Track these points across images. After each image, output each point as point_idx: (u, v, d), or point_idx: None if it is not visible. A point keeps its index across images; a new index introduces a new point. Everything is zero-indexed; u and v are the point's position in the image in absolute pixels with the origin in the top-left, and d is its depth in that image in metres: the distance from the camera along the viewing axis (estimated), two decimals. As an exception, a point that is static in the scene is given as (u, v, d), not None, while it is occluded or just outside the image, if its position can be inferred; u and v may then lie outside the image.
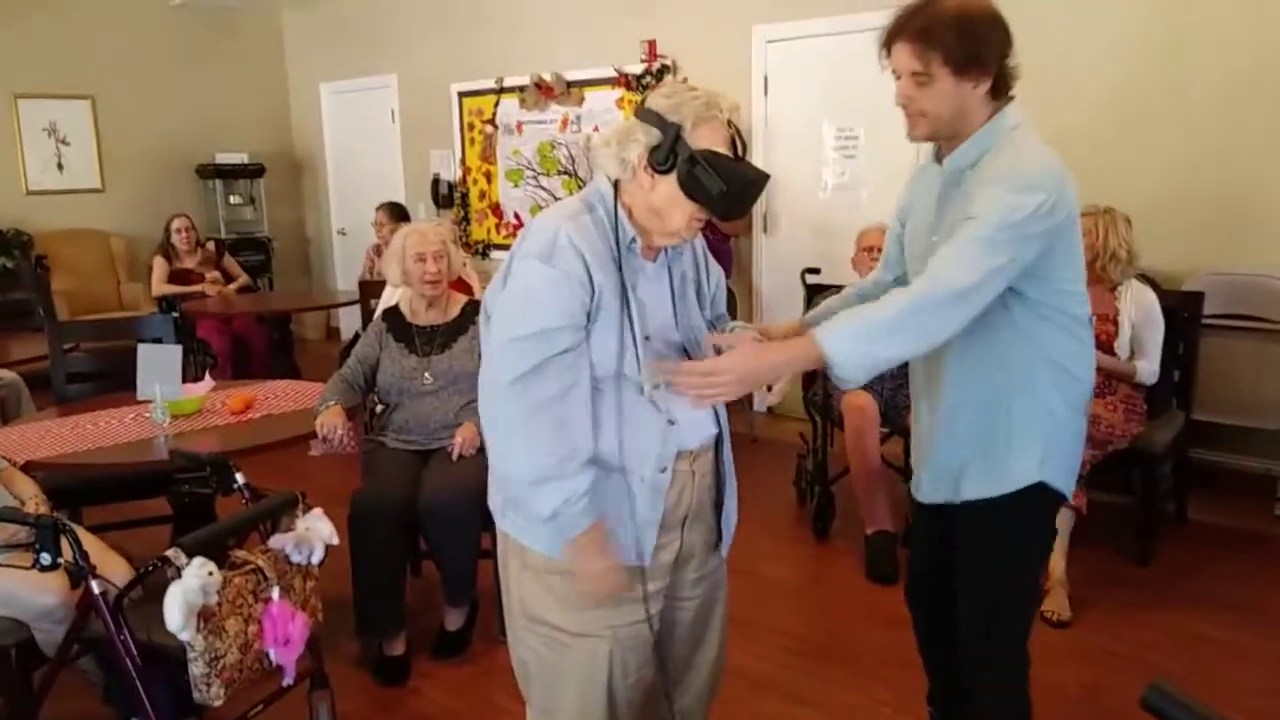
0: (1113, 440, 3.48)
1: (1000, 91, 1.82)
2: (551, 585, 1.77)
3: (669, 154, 1.65)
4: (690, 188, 1.65)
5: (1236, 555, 3.72)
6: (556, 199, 6.74)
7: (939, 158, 1.94)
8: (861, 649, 3.13)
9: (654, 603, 1.81)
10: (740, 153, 1.72)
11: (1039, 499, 1.93)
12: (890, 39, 1.83)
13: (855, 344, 1.70)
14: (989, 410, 1.90)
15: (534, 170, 6.90)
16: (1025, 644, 2.07)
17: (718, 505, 1.93)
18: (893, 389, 3.88)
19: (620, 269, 1.69)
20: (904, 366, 3.82)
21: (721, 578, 2.03)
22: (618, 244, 1.70)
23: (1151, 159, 4.39)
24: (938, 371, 1.96)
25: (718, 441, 1.90)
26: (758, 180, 1.71)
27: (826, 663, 3.06)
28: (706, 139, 1.65)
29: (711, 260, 1.96)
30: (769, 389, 1.85)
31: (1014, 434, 1.90)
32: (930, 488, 2.07)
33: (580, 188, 6.52)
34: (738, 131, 1.72)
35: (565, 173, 6.72)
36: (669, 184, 1.66)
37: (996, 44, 1.78)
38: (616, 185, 1.73)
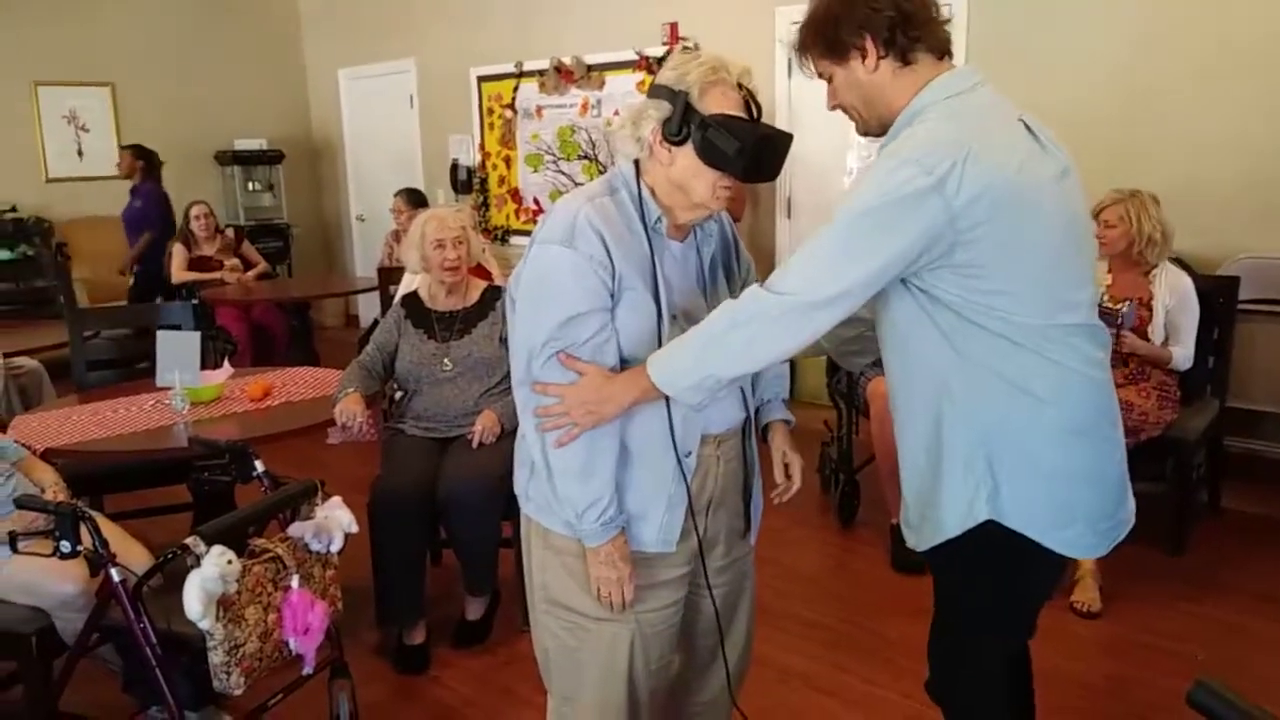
0: (1145, 428, 3.41)
1: (904, 59, 1.56)
2: (574, 569, 1.74)
3: (681, 123, 1.61)
4: (707, 153, 1.61)
5: (1272, 544, 3.64)
6: (577, 184, 6.70)
7: None
8: (886, 640, 3.09)
9: (678, 588, 1.79)
10: (757, 115, 1.65)
11: (993, 542, 1.59)
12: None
13: (682, 364, 1.57)
14: (928, 435, 1.63)
15: (554, 155, 6.85)
16: (998, 669, 1.84)
17: (746, 492, 1.90)
18: (918, 375, 3.82)
19: (646, 247, 1.66)
20: None
21: (749, 567, 2.00)
22: (644, 223, 1.67)
23: (1183, 140, 4.30)
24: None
25: (745, 427, 1.86)
26: (777, 138, 1.66)
27: (851, 653, 3.02)
28: (717, 103, 1.61)
29: (741, 243, 1.92)
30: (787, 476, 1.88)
31: (943, 464, 1.61)
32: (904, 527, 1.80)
33: (600, 172, 6.51)
34: (751, 95, 1.65)
35: (585, 157, 6.67)
36: (687, 154, 1.63)
37: (859, 15, 1.55)
38: (638, 165, 1.70)
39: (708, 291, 1.78)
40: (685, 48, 5.90)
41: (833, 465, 4.15)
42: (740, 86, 1.64)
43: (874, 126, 1.65)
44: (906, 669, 2.90)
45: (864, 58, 1.58)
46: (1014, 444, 1.57)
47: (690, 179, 1.64)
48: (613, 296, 1.63)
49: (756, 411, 1.93)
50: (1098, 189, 3.63)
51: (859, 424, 4.05)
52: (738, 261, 1.89)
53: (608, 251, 1.61)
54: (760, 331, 1.53)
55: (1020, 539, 1.58)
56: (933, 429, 1.61)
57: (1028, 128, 1.58)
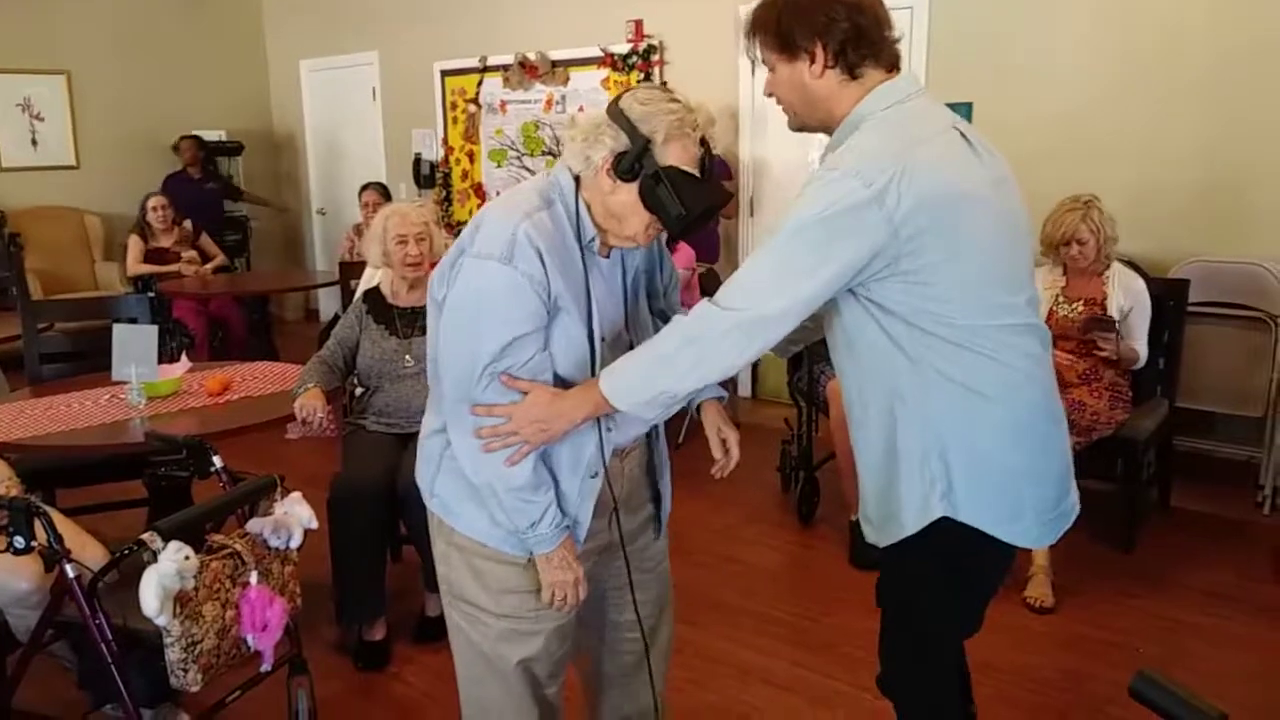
0: (1097, 427, 3.48)
1: (851, 73, 1.58)
2: (475, 566, 1.76)
3: (634, 164, 1.58)
4: (650, 202, 1.59)
5: (1219, 542, 3.73)
6: (540, 180, 6.68)
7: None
8: (846, 635, 3.12)
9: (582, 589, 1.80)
10: (708, 170, 1.64)
11: (948, 538, 1.64)
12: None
13: (634, 380, 1.58)
14: (883, 436, 1.66)
15: (518, 150, 6.84)
16: (951, 661, 1.90)
17: (653, 492, 1.95)
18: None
19: (578, 263, 1.64)
20: None
21: (663, 567, 2.03)
22: (579, 240, 1.65)
23: (1136, 147, 4.39)
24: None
25: (652, 431, 1.89)
26: (717, 205, 1.66)
27: (810, 649, 3.05)
28: (676, 155, 1.58)
29: (666, 252, 1.91)
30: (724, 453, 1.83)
31: (899, 464, 1.64)
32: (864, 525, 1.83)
33: (564, 169, 6.48)
34: (708, 150, 1.65)
35: (549, 153, 6.66)
36: (629, 192, 1.60)
37: (815, 21, 1.56)
38: (578, 179, 1.67)
39: (629, 306, 1.78)
40: (650, 46, 5.91)
41: (793, 463, 4.19)
42: (703, 142, 1.62)
43: (810, 125, 1.68)
44: (865, 663, 2.93)
45: (811, 62, 1.59)
46: (965, 442, 1.60)
47: (626, 213, 1.63)
48: (550, 315, 1.61)
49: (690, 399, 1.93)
50: (1054, 193, 3.71)
51: (819, 422, 4.09)
52: (661, 272, 1.88)
53: (545, 270, 1.57)
54: (709, 348, 1.55)
55: (974, 533, 1.62)
56: (887, 430, 1.64)
57: (963, 135, 1.61)
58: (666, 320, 1.79)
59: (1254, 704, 2.72)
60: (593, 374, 1.65)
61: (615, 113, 1.61)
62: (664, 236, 1.80)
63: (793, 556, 3.84)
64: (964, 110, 4.83)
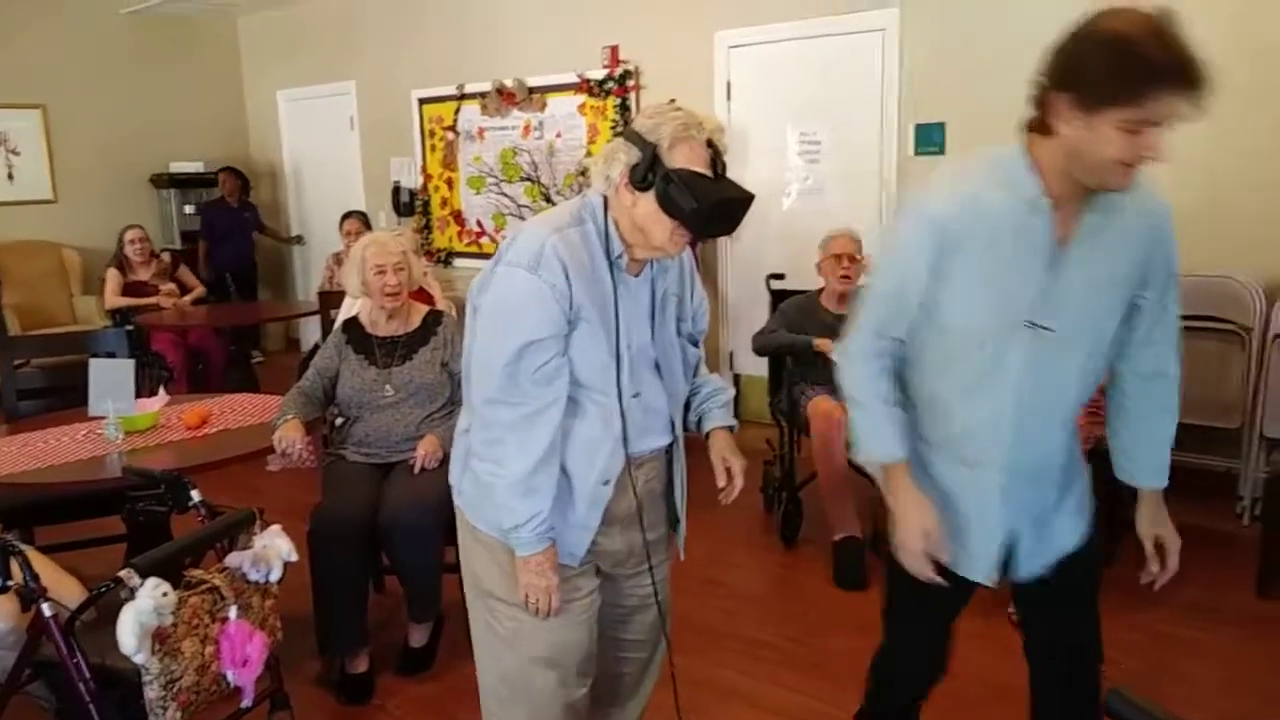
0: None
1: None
2: (501, 560, 1.83)
3: (647, 172, 1.68)
4: (666, 204, 1.68)
5: (1199, 554, 3.73)
6: (520, 205, 6.72)
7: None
8: (830, 656, 3.12)
9: (593, 578, 1.91)
10: (720, 173, 1.73)
11: None
12: (1192, 83, 1.44)
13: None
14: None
15: (496, 177, 6.86)
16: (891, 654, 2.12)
17: (670, 510, 2.01)
18: (858, 394, 3.88)
19: (608, 283, 1.75)
20: None
21: (664, 581, 2.07)
22: (608, 257, 1.75)
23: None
24: None
25: (671, 448, 1.95)
26: (737, 198, 1.73)
27: (795, 670, 3.05)
28: (684, 158, 1.68)
29: (697, 278, 2.00)
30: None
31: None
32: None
33: (543, 194, 6.52)
34: (717, 152, 1.73)
35: (527, 179, 6.68)
36: (648, 201, 1.69)
37: None
38: (606, 201, 1.77)
39: (655, 324, 1.86)
40: (626, 72, 5.96)
41: (775, 484, 4.20)
42: (710, 144, 1.71)
43: None
44: (850, 684, 2.93)
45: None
46: None
47: (650, 223, 1.72)
48: (569, 325, 1.71)
49: (699, 421, 2.03)
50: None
51: (801, 443, 4.10)
52: (691, 295, 1.97)
53: (569, 282, 1.68)
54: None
55: None
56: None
57: None
58: (694, 343, 1.96)
59: (1234, 715, 2.73)
60: (616, 384, 1.76)
61: (627, 132, 1.74)
62: (697, 264, 1.88)
63: (777, 578, 3.84)
64: (937, 131, 4.89)
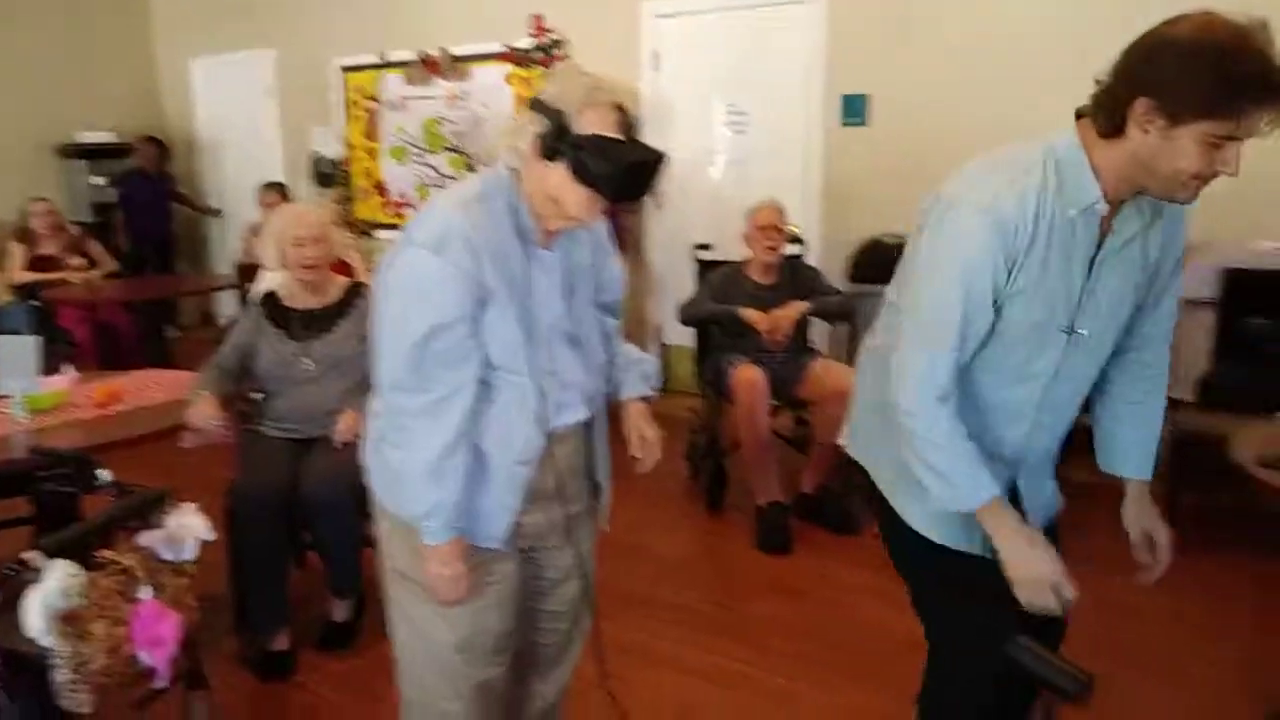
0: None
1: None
2: (412, 543, 1.79)
3: (556, 140, 1.64)
4: (580, 173, 1.64)
5: (1102, 511, 3.85)
6: (443, 176, 6.62)
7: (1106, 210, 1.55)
8: (755, 620, 3.18)
9: (512, 560, 1.88)
10: (633, 137, 1.69)
11: None
12: None
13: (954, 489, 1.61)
14: None
15: (419, 147, 6.74)
16: None
17: (591, 480, 1.99)
18: (781, 362, 3.93)
19: (520, 259, 1.71)
20: (800, 340, 3.78)
21: (589, 552, 2.08)
22: (518, 232, 1.71)
23: (1025, 135, 4.51)
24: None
25: (590, 421, 1.93)
26: (648, 161, 1.69)
27: (720, 635, 3.09)
28: (593, 124, 1.64)
29: (613, 250, 1.96)
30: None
31: None
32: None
33: (468, 165, 6.43)
34: (629, 115, 1.69)
35: (452, 150, 6.59)
36: (560, 171, 1.65)
37: None
38: (515, 174, 1.72)
39: (571, 299, 1.82)
40: (553, 41, 5.89)
41: (701, 452, 4.23)
42: (619, 108, 1.67)
43: None
44: (775, 647, 3.00)
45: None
46: None
47: (564, 194, 1.67)
48: (481, 304, 1.66)
49: (615, 391, 2.01)
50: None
51: (726, 411, 4.14)
52: (606, 268, 1.93)
53: (477, 261, 1.63)
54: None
55: None
56: None
57: None
58: (611, 313, 1.93)
59: (1139, 665, 2.85)
60: (531, 363, 1.72)
61: (532, 102, 1.68)
62: (625, 235, 1.85)
63: (702, 544, 3.89)
64: (862, 102, 4.94)
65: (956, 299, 1.53)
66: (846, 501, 3.96)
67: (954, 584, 1.72)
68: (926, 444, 1.59)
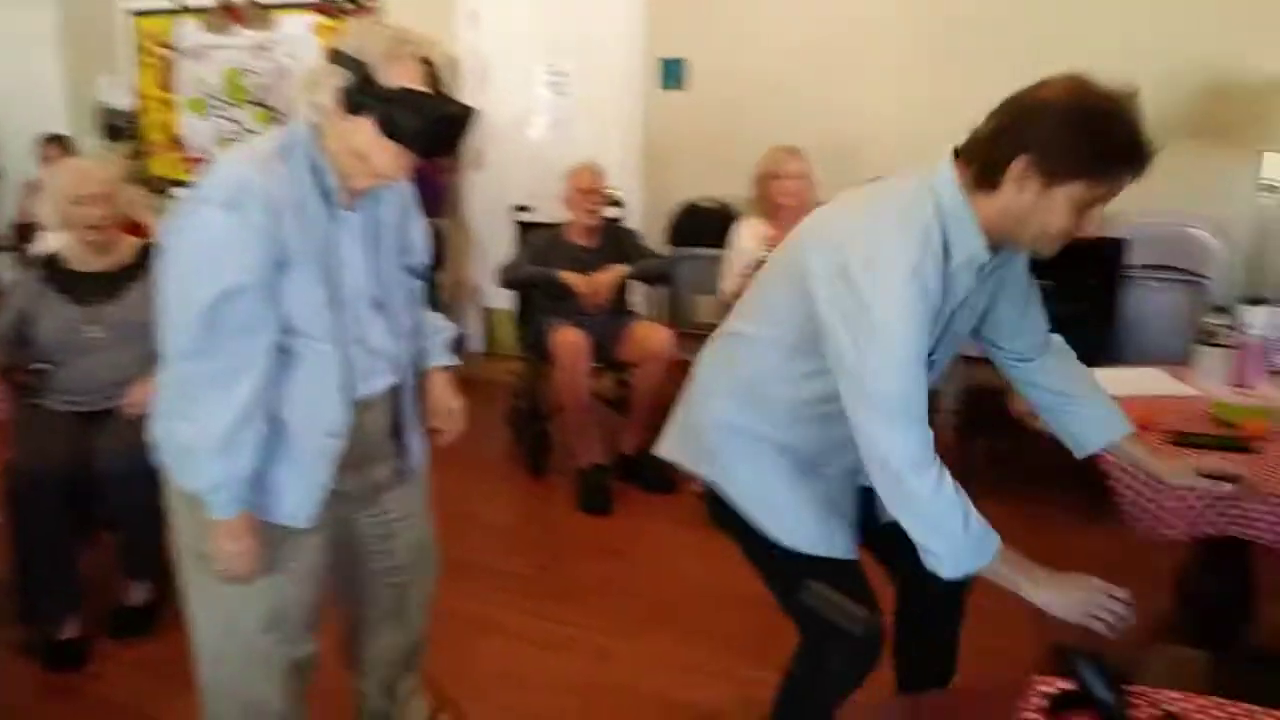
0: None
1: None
2: (208, 519, 1.70)
3: (360, 94, 1.57)
4: (387, 128, 1.59)
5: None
6: (247, 131, 6.27)
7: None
8: (579, 582, 3.21)
9: (320, 534, 1.82)
10: (440, 90, 1.65)
11: None
12: (1146, 164, 1.45)
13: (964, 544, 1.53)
14: None
15: (220, 100, 6.35)
16: None
17: (400, 445, 1.95)
18: (602, 325, 3.95)
19: (322, 219, 1.63)
20: (620, 302, 3.78)
21: (421, 517, 2.06)
22: (321, 191, 1.63)
23: (840, 106, 4.66)
24: None
25: (397, 387, 1.89)
26: (458, 115, 1.65)
27: (545, 598, 3.10)
28: (399, 76, 1.58)
29: (418, 210, 1.92)
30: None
31: None
32: None
33: (274, 119, 6.11)
34: (436, 68, 1.65)
35: (256, 103, 6.24)
36: (367, 126, 1.59)
37: None
38: (316, 130, 1.64)
39: (377, 261, 1.77)
40: (365, 7, 5.65)
41: (523, 416, 4.21)
42: (425, 61, 1.62)
43: None
44: (598, 606, 3.04)
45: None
46: None
47: (371, 150, 1.61)
48: (280, 266, 1.57)
49: (419, 360, 1.98)
50: (763, 143, 3.92)
51: (547, 374, 4.13)
52: (413, 230, 1.89)
53: (274, 220, 1.54)
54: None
55: None
56: None
57: None
58: (419, 277, 1.88)
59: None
60: (334, 328, 1.65)
61: (332, 53, 1.61)
62: (415, 196, 1.86)
63: (525, 508, 3.88)
64: (680, 66, 4.97)
65: (915, 369, 1.50)
66: (665, 461, 4.04)
67: (822, 579, 1.72)
68: (935, 513, 1.51)
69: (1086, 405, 1.83)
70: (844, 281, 1.49)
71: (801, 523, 1.72)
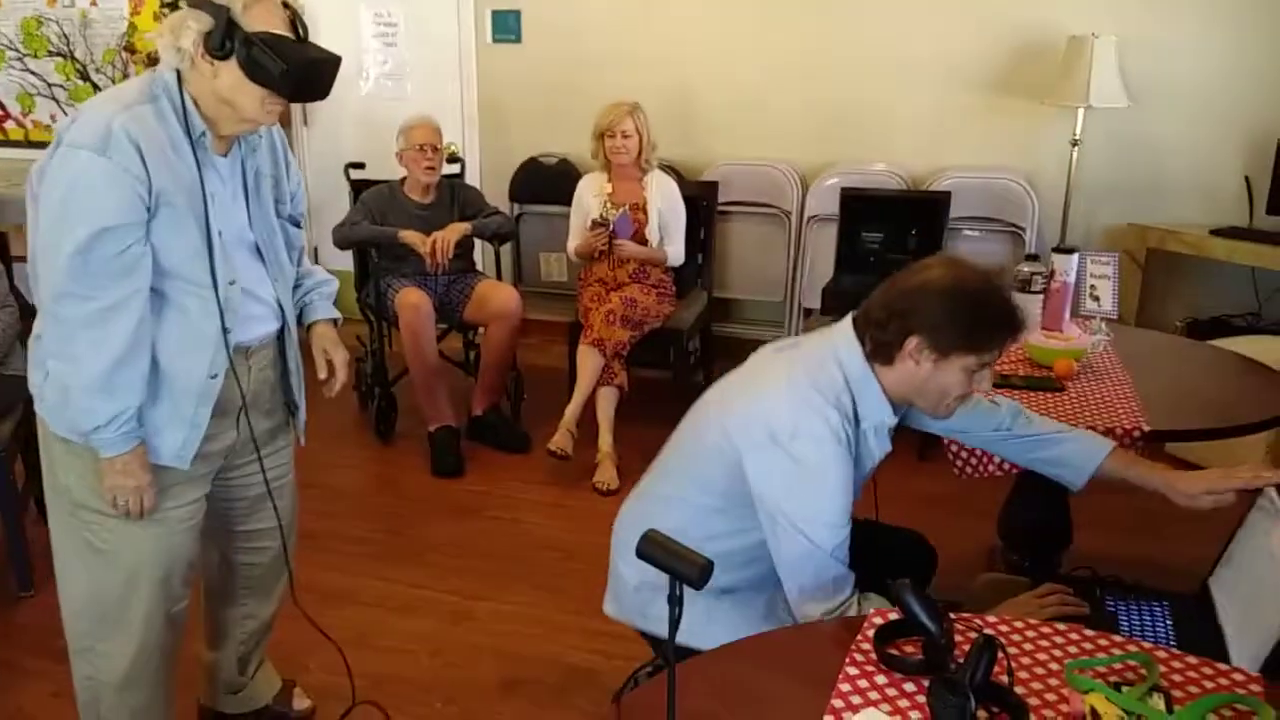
0: (648, 321, 3.79)
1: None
2: (93, 469, 1.70)
3: (224, 38, 1.57)
4: (252, 71, 1.60)
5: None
6: (49, 84, 5.81)
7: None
8: (430, 544, 3.19)
9: (201, 486, 1.84)
10: (304, 35, 1.66)
11: None
12: (1021, 328, 1.63)
13: None
14: None
15: (18, 51, 5.85)
16: None
17: (286, 395, 1.98)
18: (446, 284, 3.90)
19: (192, 165, 1.64)
20: (463, 261, 3.72)
21: (286, 470, 2.08)
22: (188, 137, 1.63)
23: (676, 58, 4.69)
24: None
25: (281, 334, 1.91)
26: (325, 61, 1.68)
27: (396, 563, 3.08)
28: (262, 20, 1.60)
29: (292, 157, 1.93)
30: None
31: None
32: None
33: (78, 71, 5.70)
34: (298, 14, 1.67)
35: (58, 54, 5.77)
36: (232, 70, 1.61)
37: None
38: (180, 76, 1.63)
39: (251, 206, 1.79)
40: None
41: (368, 380, 4.12)
42: (286, 5, 1.63)
43: None
44: (449, 566, 3.04)
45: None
46: None
47: (237, 94, 1.63)
48: (149, 211, 1.58)
49: (301, 312, 2.00)
50: (602, 97, 3.93)
51: (391, 336, 4.05)
52: (287, 174, 1.91)
53: (144, 164, 1.55)
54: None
55: None
56: None
57: None
58: (296, 225, 1.92)
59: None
60: (210, 272, 1.67)
61: (193, 0, 1.61)
62: (289, 146, 1.89)
63: (374, 474, 3.82)
64: (513, 18, 4.89)
65: (842, 519, 1.61)
66: (515, 420, 4.04)
67: None
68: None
69: (1066, 441, 1.92)
70: (774, 447, 1.59)
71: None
